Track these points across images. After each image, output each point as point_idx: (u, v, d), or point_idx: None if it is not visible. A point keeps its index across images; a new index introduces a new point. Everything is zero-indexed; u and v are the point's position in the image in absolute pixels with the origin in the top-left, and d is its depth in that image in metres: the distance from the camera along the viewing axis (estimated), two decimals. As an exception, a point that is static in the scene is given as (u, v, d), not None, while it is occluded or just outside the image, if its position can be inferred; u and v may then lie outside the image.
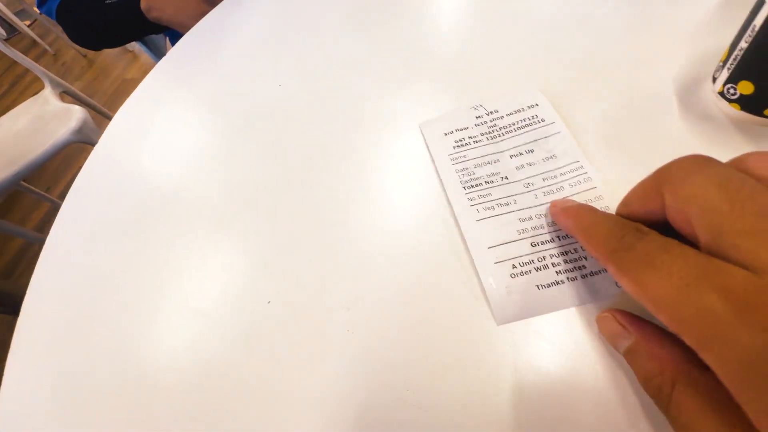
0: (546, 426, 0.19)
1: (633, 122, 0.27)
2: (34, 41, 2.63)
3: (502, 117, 0.29)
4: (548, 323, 0.21)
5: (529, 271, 0.22)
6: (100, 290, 0.29)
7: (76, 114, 1.16)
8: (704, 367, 0.15)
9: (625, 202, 0.20)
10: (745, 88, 0.24)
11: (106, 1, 0.69)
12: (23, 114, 1.26)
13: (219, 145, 0.35)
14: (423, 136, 0.30)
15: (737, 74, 0.24)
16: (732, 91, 0.25)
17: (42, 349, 0.27)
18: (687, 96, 0.27)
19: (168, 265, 0.29)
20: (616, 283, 0.21)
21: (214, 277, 0.27)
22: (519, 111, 0.28)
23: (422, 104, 0.32)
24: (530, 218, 0.24)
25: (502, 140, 0.28)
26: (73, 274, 0.30)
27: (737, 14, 0.24)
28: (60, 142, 1.12)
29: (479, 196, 0.25)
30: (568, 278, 0.22)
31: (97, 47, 0.79)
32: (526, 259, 0.23)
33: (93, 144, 1.19)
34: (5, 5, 2.28)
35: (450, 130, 0.29)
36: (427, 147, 0.29)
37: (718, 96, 0.25)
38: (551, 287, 0.22)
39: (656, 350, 0.17)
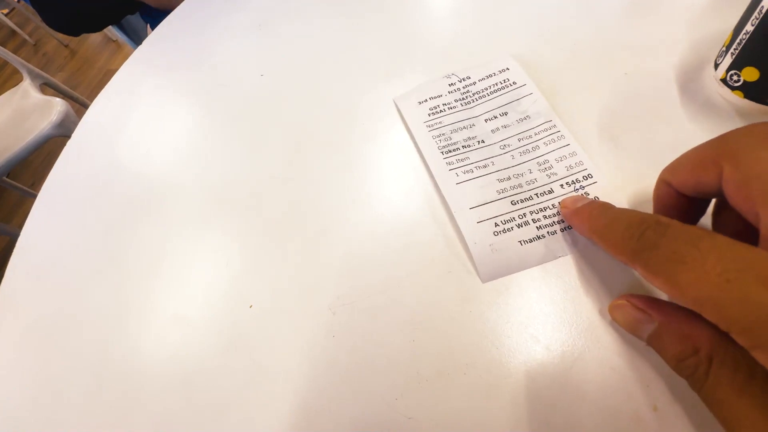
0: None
1: (631, 111, 0.25)
2: (13, 31, 2.46)
3: (474, 83, 0.28)
4: (543, 328, 0.20)
5: (511, 228, 0.23)
6: (74, 293, 0.27)
7: (57, 107, 1.10)
8: (735, 343, 0.14)
9: (673, 169, 0.17)
10: (750, 74, 0.22)
11: None
12: (1, 108, 1.18)
13: (199, 139, 0.33)
14: (398, 108, 0.29)
15: (742, 60, 0.22)
16: (735, 77, 0.23)
17: (14, 352, 0.26)
18: (687, 83, 0.25)
19: (144, 266, 0.27)
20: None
21: (193, 280, 0.26)
22: (491, 76, 0.28)
23: (400, 83, 0.30)
24: (509, 178, 0.24)
25: (476, 105, 0.27)
26: (47, 276, 0.28)
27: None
28: (41, 137, 1.05)
29: (457, 161, 0.25)
30: (548, 232, 0.22)
31: (76, 31, 0.76)
32: (507, 217, 0.23)
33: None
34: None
35: (424, 99, 0.28)
36: (403, 119, 0.28)
37: (720, 83, 0.23)
38: (534, 242, 0.22)
39: (686, 330, 0.15)
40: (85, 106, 1.38)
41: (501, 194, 0.24)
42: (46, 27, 1.29)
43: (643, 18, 0.29)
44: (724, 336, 0.14)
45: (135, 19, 0.83)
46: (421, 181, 0.26)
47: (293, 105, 0.33)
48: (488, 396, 0.19)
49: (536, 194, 0.23)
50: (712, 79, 0.24)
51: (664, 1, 0.29)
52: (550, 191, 0.23)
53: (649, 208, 0.20)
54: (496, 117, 0.26)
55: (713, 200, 0.19)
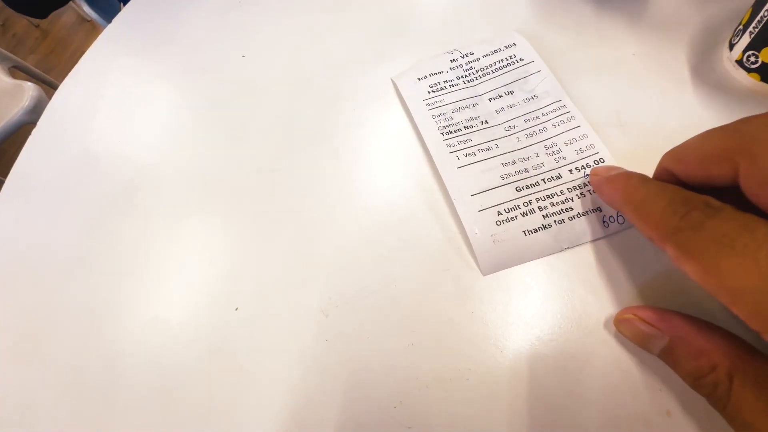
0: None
1: (639, 94, 0.23)
2: (-23, 11, 2.36)
3: (478, 59, 0.26)
4: (549, 329, 0.19)
5: (515, 216, 0.21)
6: (45, 295, 0.25)
7: (28, 91, 1.03)
8: (761, 356, 0.13)
9: (678, 157, 0.16)
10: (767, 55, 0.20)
11: None
12: (-34, 93, 1.11)
13: (176, 126, 0.30)
14: (396, 87, 0.27)
15: (762, 39, 0.20)
16: (753, 59, 0.21)
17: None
18: (699, 64, 0.23)
19: (121, 266, 0.25)
20: (605, 223, 0.20)
21: (174, 281, 0.24)
22: (496, 52, 0.26)
23: (394, 63, 0.28)
24: (513, 162, 0.22)
25: (480, 83, 0.25)
26: (14, 277, 0.26)
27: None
28: (12, 124, 0.99)
29: (459, 143, 0.23)
30: (555, 221, 0.21)
31: (42, 11, 0.71)
32: (511, 205, 0.21)
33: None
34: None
35: (423, 75, 0.26)
36: (401, 97, 0.26)
37: (735, 64, 0.22)
38: (539, 232, 0.20)
39: (701, 345, 0.14)
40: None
41: (505, 180, 0.22)
42: (13, 7, 1.21)
43: None
44: (742, 350, 0.14)
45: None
46: (419, 167, 0.24)
47: (278, 88, 0.30)
48: (491, 402, 0.18)
49: (543, 180, 0.22)
50: (726, 60, 0.23)
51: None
52: (558, 176, 0.21)
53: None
54: (501, 96, 0.24)
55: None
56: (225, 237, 0.25)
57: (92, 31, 2.13)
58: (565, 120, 0.23)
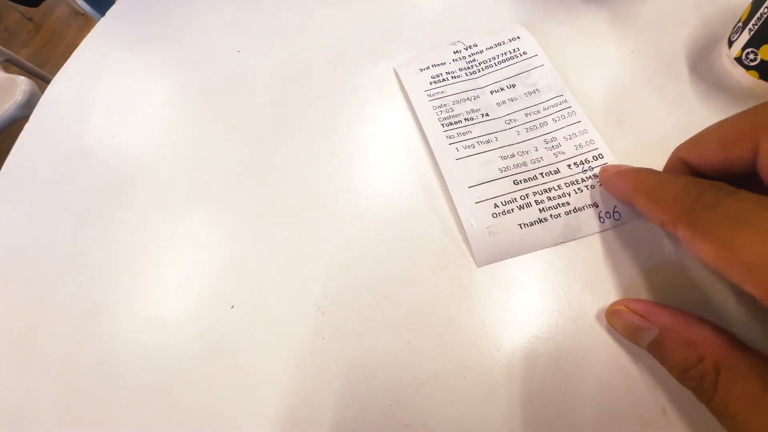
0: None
1: (638, 91, 0.23)
2: (-31, 4, 2.33)
3: (481, 51, 0.26)
4: (546, 327, 0.19)
5: (512, 210, 0.21)
6: (38, 294, 0.24)
7: (21, 86, 1.02)
8: (748, 349, 0.13)
9: (693, 145, 0.16)
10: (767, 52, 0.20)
11: None
12: (-42, 87, 1.10)
13: (171, 122, 0.30)
14: (397, 76, 0.27)
15: (761, 37, 0.20)
16: (752, 56, 0.21)
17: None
18: (697, 61, 0.23)
19: (115, 263, 0.24)
20: (602, 219, 0.20)
21: (169, 278, 0.23)
22: (499, 44, 0.26)
23: (394, 56, 0.28)
24: (512, 155, 0.22)
25: (482, 75, 0.25)
26: (6, 275, 0.26)
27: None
28: (5, 118, 0.98)
29: (459, 134, 0.23)
30: (551, 216, 0.20)
31: (35, 0, 0.70)
32: (508, 198, 0.21)
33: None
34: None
35: (426, 66, 0.26)
36: (402, 88, 0.26)
37: (734, 62, 0.22)
38: (534, 225, 0.20)
39: (689, 336, 0.15)
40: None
41: (503, 172, 0.22)
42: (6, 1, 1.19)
43: None
44: (730, 343, 0.14)
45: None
46: (417, 159, 0.24)
47: (275, 82, 0.30)
48: (488, 400, 0.18)
49: (541, 174, 0.21)
50: (724, 58, 0.23)
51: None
52: (556, 171, 0.21)
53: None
54: (502, 89, 0.24)
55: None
56: (221, 234, 0.24)
57: (86, 25, 2.11)
58: (566, 115, 0.23)
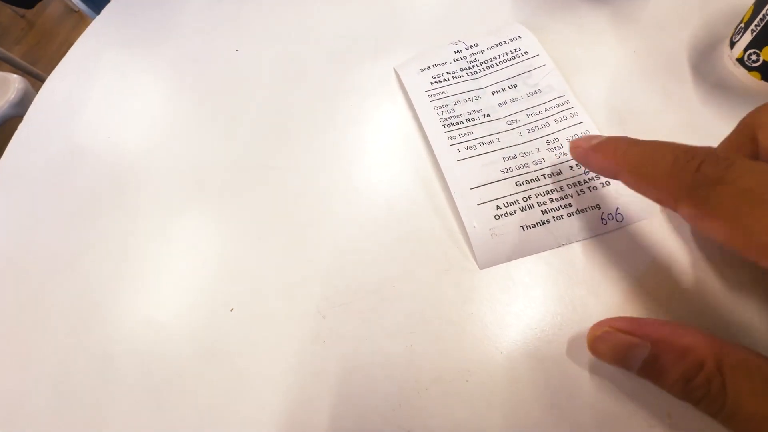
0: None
1: (640, 91, 0.23)
2: (-40, 1, 2.30)
3: (482, 51, 0.26)
4: (549, 330, 0.19)
5: (514, 211, 0.21)
6: (32, 295, 0.24)
7: (14, 84, 1.01)
8: (741, 347, 0.13)
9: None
10: None
11: None
12: (-51, 86, 1.10)
13: (168, 121, 0.30)
14: (398, 77, 0.27)
15: (764, 37, 0.20)
16: (754, 57, 0.21)
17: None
18: (699, 62, 0.23)
19: (111, 265, 0.24)
20: (604, 221, 0.20)
21: (167, 280, 0.23)
22: (501, 44, 0.26)
23: (394, 55, 0.28)
24: (514, 156, 0.22)
25: (483, 75, 0.25)
26: (1, 274, 0.25)
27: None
28: None
29: (460, 135, 0.23)
30: (554, 217, 0.20)
31: (29, 2, 0.68)
32: (510, 200, 0.21)
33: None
34: None
35: (426, 66, 0.26)
36: (403, 88, 0.26)
37: (736, 63, 0.22)
38: (537, 227, 0.20)
39: (684, 343, 0.14)
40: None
41: (505, 174, 0.21)
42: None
43: None
44: (722, 342, 0.13)
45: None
46: (419, 160, 0.24)
47: (274, 81, 0.30)
48: (491, 403, 0.18)
49: (543, 175, 0.21)
50: (726, 59, 0.23)
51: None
52: (559, 172, 0.21)
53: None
54: (504, 89, 0.24)
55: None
56: (219, 235, 0.24)
57: (80, 22, 2.09)
58: (568, 116, 0.23)
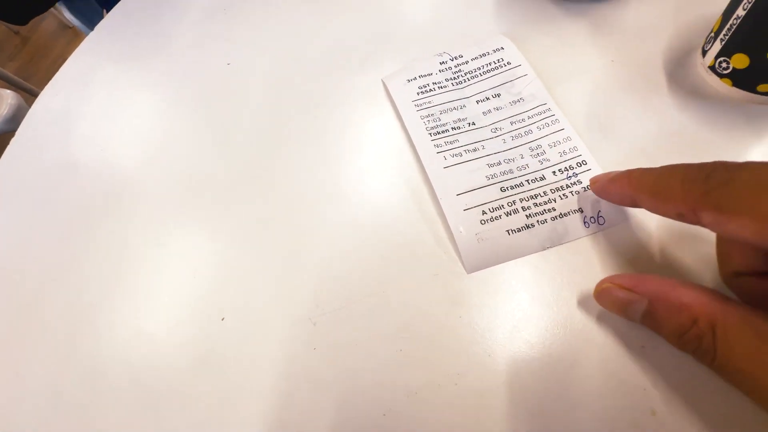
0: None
1: (618, 99, 0.24)
2: (-45, 18, 2.30)
3: (467, 62, 0.27)
4: (536, 332, 0.19)
5: (499, 216, 0.21)
6: (24, 307, 0.24)
7: (7, 99, 1.01)
8: (740, 304, 0.13)
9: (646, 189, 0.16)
10: (740, 61, 0.21)
11: None
12: (-58, 101, 1.10)
13: (160, 134, 0.30)
14: (386, 87, 0.28)
15: (732, 46, 0.21)
16: (724, 64, 0.22)
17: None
18: (674, 70, 0.24)
19: (103, 276, 0.24)
20: (586, 224, 0.20)
21: (158, 291, 0.23)
22: (484, 55, 0.27)
23: (380, 67, 0.29)
24: (499, 163, 0.23)
25: (468, 85, 0.26)
26: None
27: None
28: None
29: (446, 143, 0.24)
30: (538, 221, 0.21)
31: (23, 17, 0.68)
32: (495, 205, 0.22)
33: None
34: None
35: (413, 77, 0.27)
36: (391, 98, 0.27)
37: (709, 70, 0.23)
38: (522, 231, 0.21)
39: (679, 300, 0.15)
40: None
41: (490, 180, 0.22)
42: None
43: (628, 2, 0.28)
44: (721, 300, 0.14)
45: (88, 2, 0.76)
46: (407, 169, 0.25)
47: (265, 94, 0.30)
48: (481, 407, 0.18)
49: (527, 181, 0.22)
50: (699, 66, 0.24)
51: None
52: (542, 178, 0.22)
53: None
54: (488, 98, 0.25)
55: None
56: (210, 244, 0.24)
57: (74, 38, 2.10)
58: (550, 123, 0.23)
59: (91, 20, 0.82)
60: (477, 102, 0.25)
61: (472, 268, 0.21)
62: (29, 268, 0.26)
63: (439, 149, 0.24)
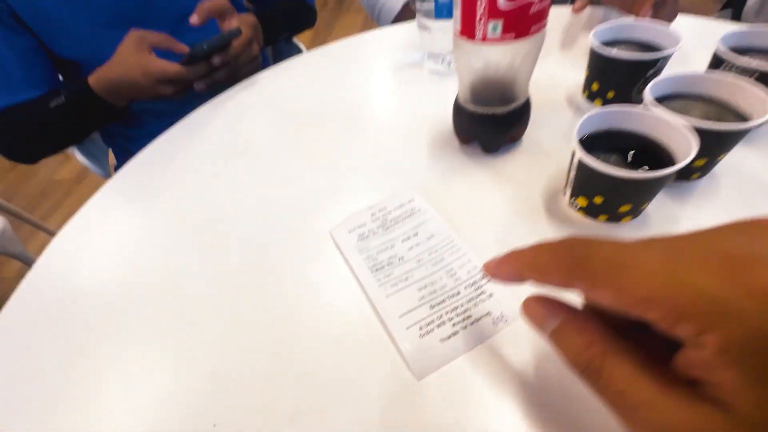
0: None
1: (512, 226, 0.34)
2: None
3: (390, 212, 0.36)
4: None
5: (432, 329, 0.28)
6: (32, 419, 0.27)
7: None
8: (624, 336, 0.16)
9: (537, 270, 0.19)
10: (582, 201, 0.32)
11: (51, 105, 0.59)
12: None
13: (161, 265, 0.36)
14: (333, 238, 0.35)
15: (575, 191, 0.32)
16: (575, 203, 0.33)
17: None
18: (551, 205, 0.35)
19: (98, 391, 0.28)
20: (495, 323, 0.27)
21: (149, 402, 0.27)
22: (401, 205, 0.36)
23: (334, 216, 0.37)
24: (426, 286, 0.30)
25: (393, 229, 0.35)
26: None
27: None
28: None
29: (384, 276, 0.31)
30: (461, 328, 0.28)
31: (36, 158, 0.70)
32: (428, 320, 0.29)
33: (10, 255, 1.03)
34: None
35: (352, 228, 0.36)
36: (338, 246, 0.35)
37: (570, 205, 0.34)
38: (451, 338, 0.28)
39: (584, 325, 0.17)
40: (23, 219, 1.23)
41: (421, 301, 0.29)
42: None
43: (518, 157, 0.40)
44: (611, 330, 0.17)
45: (95, 141, 0.82)
46: (358, 301, 0.31)
47: (241, 256, 0.37)
48: None
49: (448, 296, 0.29)
50: (563, 202, 0.35)
51: (530, 140, 0.41)
52: (458, 293, 0.29)
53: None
54: (409, 237, 0.33)
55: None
56: (202, 358, 0.29)
57: (65, 161, 2.03)
58: (455, 251, 0.32)
59: (97, 157, 0.83)
60: (402, 241, 0.34)
61: (420, 375, 0.26)
62: (33, 387, 0.29)
63: (380, 282, 0.31)
